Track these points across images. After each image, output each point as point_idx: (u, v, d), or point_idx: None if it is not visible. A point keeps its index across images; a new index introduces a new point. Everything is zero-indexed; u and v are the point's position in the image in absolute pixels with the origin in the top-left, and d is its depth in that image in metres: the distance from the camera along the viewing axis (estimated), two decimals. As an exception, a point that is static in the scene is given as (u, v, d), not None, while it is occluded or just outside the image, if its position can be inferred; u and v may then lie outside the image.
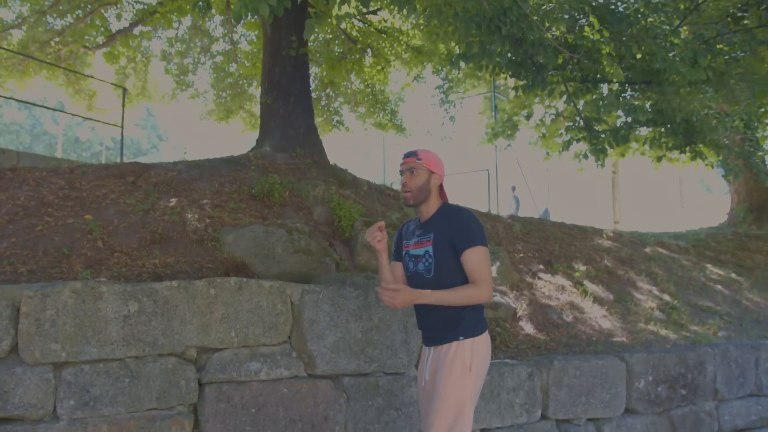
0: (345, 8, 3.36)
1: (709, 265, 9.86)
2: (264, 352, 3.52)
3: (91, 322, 3.12)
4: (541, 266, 7.24)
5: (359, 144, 20.35)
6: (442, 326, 2.84)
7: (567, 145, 7.20)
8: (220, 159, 7.38)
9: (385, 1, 9.72)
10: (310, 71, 14.43)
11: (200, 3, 2.60)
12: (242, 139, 16.67)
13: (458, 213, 2.87)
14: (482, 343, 2.85)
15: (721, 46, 4.55)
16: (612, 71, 3.97)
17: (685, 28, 5.70)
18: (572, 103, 5.54)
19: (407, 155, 2.98)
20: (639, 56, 4.62)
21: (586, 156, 6.40)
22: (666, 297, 7.64)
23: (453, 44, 6.49)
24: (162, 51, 14.20)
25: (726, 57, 4.61)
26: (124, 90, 11.88)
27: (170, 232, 5.13)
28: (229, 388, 3.40)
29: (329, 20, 10.53)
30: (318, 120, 14.64)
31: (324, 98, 14.59)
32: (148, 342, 3.24)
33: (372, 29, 12.28)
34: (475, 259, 2.74)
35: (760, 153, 6.89)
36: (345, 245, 6.05)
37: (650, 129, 7.02)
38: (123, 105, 11.41)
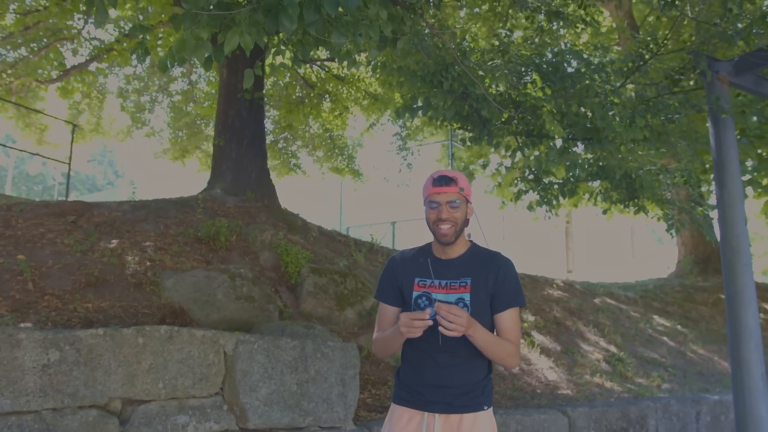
0: (280, 59, 3.35)
1: (656, 317, 10.03)
2: (193, 404, 3.38)
3: (5, 371, 2.95)
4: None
5: (317, 188, 20.33)
6: (461, 390, 2.37)
7: (518, 195, 7.31)
8: (167, 200, 7.25)
9: (327, 54, 9.87)
10: (268, 114, 14.52)
11: (139, 51, 2.54)
12: (198, 180, 16.48)
13: (504, 262, 2.44)
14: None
15: (661, 107, 4.72)
16: (553, 128, 4.06)
17: (630, 87, 5.91)
18: (522, 155, 5.64)
19: (446, 182, 2.40)
20: (580, 114, 4.75)
21: (536, 206, 6.49)
22: (613, 348, 7.71)
23: (403, 95, 6.57)
24: (119, 88, 14.06)
25: (663, 117, 4.77)
26: (74, 126, 11.66)
27: (107, 275, 4.97)
28: (154, 443, 3.24)
29: (282, 69, 10.61)
30: (275, 163, 14.61)
31: (281, 141, 14.59)
32: (68, 393, 3.08)
33: (330, 75, 12.41)
34: (514, 320, 2.39)
35: (701, 209, 7.09)
36: (291, 292, 5.95)
37: (599, 182, 7.19)
38: (72, 141, 11.18)
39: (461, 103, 4.41)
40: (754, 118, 4.68)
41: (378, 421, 4.12)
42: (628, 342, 8.15)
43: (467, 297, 2.35)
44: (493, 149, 14.21)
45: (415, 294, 2.43)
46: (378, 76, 10.48)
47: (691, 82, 5.53)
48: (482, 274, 2.38)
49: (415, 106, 4.32)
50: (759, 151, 10.33)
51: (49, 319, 4.13)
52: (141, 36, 2.57)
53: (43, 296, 4.48)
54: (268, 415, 3.50)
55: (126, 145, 16.90)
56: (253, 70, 2.88)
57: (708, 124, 4.94)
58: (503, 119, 4.86)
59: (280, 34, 2.85)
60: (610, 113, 4.26)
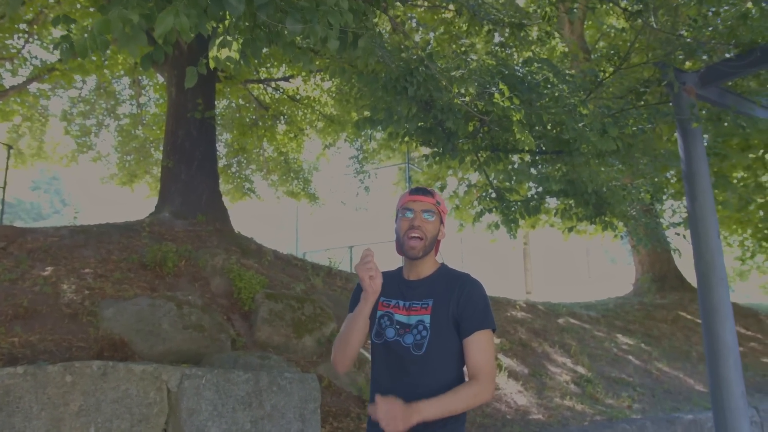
0: (226, 51, 3.01)
1: (619, 335, 9.92)
2: (131, 450, 2.96)
3: None
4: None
5: (272, 213, 19.88)
6: (423, 424, 2.12)
7: (479, 216, 7.09)
8: (111, 225, 6.77)
9: (282, 72, 9.61)
10: (221, 137, 14.09)
11: (63, 45, 2.18)
12: (149, 205, 15.86)
13: (469, 283, 2.26)
14: None
15: (628, 119, 4.57)
16: (523, 138, 3.84)
17: (590, 104, 5.79)
18: (484, 173, 5.43)
19: (423, 192, 2.30)
20: (549, 126, 4.57)
21: (497, 226, 6.27)
22: (580, 369, 7.51)
23: (362, 112, 6.29)
24: (63, 111, 13.43)
25: (634, 128, 4.63)
26: (9, 147, 11.02)
27: (38, 306, 4.49)
28: (85, 497, 2.81)
29: (239, 84, 10.28)
30: (228, 187, 14.14)
31: (235, 165, 14.15)
32: (-21, 444, 2.64)
33: (285, 96, 12.11)
34: (482, 345, 2.18)
35: (665, 225, 7.04)
36: (245, 319, 5.55)
37: (560, 201, 7.03)
38: (7, 164, 10.54)
39: (425, 115, 4.16)
40: (726, 124, 4.59)
41: (342, 458, 3.76)
42: (595, 362, 7.97)
43: (427, 319, 2.22)
44: (450, 171, 14.03)
45: (378, 313, 2.32)
46: (334, 88, 10.22)
47: (656, 96, 5.42)
48: (445, 295, 2.23)
49: (375, 118, 4.04)
50: (715, 169, 10.47)
51: (-33, 356, 3.66)
52: (64, 27, 2.21)
53: (-38, 331, 3.99)
54: (218, 459, 3.11)
55: (72, 171, 16.21)
56: (196, 68, 2.55)
57: (676, 136, 4.81)
58: (469, 132, 4.63)
59: (226, 21, 2.55)
60: (580, 124, 4.07)
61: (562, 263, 25.96)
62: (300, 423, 3.41)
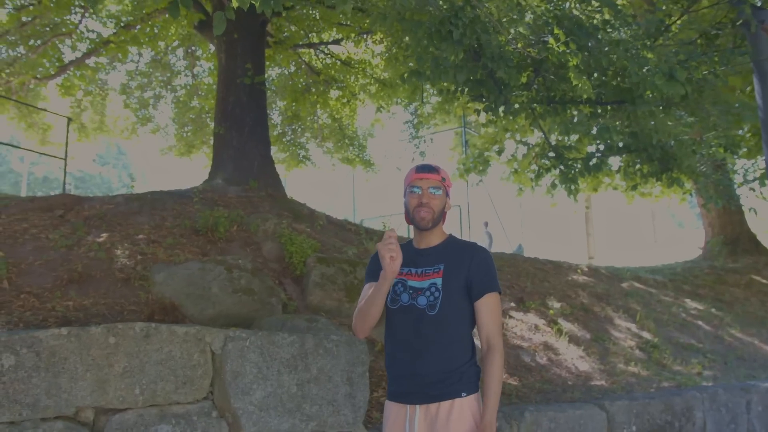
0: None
1: (687, 300, 9.46)
2: (177, 411, 2.93)
3: (-49, 381, 2.52)
4: (513, 304, 6.74)
5: (328, 180, 19.91)
6: (436, 377, 2.34)
7: (537, 176, 6.79)
8: (164, 192, 6.82)
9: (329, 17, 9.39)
10: (274, 105, 14.09)
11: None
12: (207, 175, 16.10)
13: (478, 250, 2.47)
14: (479, 397, 2.40)
15: (698, 62, 4.18)
16: (580, 84, 3.55)
17: (657, 44, 5.37)
18: (540, 130, 5.13)
19: (429, 170, 2.47)
20: (610, 73, 4.24)
21: (555, 186, 5.96)
22: (646, 335, 7.17)
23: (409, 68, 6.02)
24: (121, 84, 13.68)
25: (705, 73, 4.23)
26: (69, 120, 11.30)
27: (93, 271, 4.54)
28: (132, 457, 2.80)
29: (289, 50, 10.17)
30: (283, 155, 14.17)
31: (289, 133, 14.14)
32: (26, 404, 2.64)
33: (336, 61, 11.94)
34: (491, 306, 2.38)
35: (738, 182, 6.56)
36: (296, 284, 5.49)
37: (622, 158, 6.64)
38: (67, 135, 10.81)
39: (474, 65, 3.91)
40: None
41: (393, 423, 3.65)
42: (662, 327, 7.60)
43: (439, 281, 2.39)
44: (508, 133, 13.59)
45: (394, 281, 2.46)
46: (384, 49, 9.96)
47: (729, 40, 4.97)
48: (456, 260, 2.43)
49: (421, 70, 3.82)
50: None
51: (22, 319, 3.71)
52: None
53: (19, 295, 4.06)
54: (264, 422, 3.05)
55: (137, 145, 16.56)
56: (224, 13, 2.41)
57: (752, 84, 4.38)
58: (522, 83, 4.35)
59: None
60: (645, 69, 3.74)
61: (627, 228, 25.13)
62: (348, 386, 3.31)
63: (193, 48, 13.01)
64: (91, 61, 12.06)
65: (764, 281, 11.79)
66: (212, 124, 13.99)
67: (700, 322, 8.40)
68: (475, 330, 2.44)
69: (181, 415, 2.93)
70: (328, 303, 5.21)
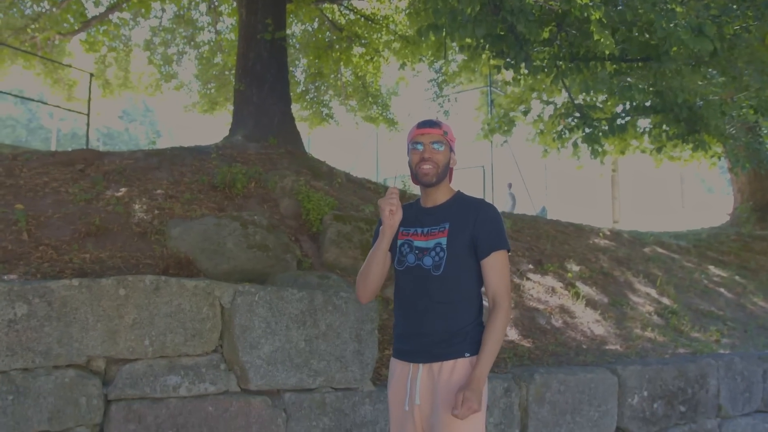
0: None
1: (711, 267, 9.31)
2: (186, 363, 2.97)
3: (-34, 327, 2.58)
4: (531, 266, 6.69)
5: (351, 139, 19.82)
6: (442, 335, 2.32)
7: (560, 136, 6.65)
8: (184, 148, 6.84)
9: None
10: (298, 63, 13.95)
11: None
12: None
13: (484, 207, 2.40)
14: None
15: (730, 16, 3.97)
16: (602, 39, 3.42)
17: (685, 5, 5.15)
18: (564, 88, 4.99)
19: (430, 125, 2.41)
20: (635, 28, 4.07)
21: (577, 145, 5.83)
22: (665, 300, 7.09)
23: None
24: (145, 41, 13.65)
25: (736, 28, 4.04)
26: (91, 75, 11.34)
27: (110, 224, 4.59)
28: (142, 405, 2.86)
29: (311, 5, 10.01)
30: (306, 113, 14.10)
31: (312, 90, 14.03)
32: (39, 351, 2.70)
33: (359, 17, 11.73)
34: (499, 265, 2.32)
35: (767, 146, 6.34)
36: (313, 241, 5.51)
37: (649, 119, 6.46)
38: (89, 90, 10.85)
39: (493, 19, 3.79)
40: None
41: (401, 380, 3.67)
42: (682, 293, 7.50)
43: (444, 241, 2.34)
44: (534, 93, 13.33)
45: (399, 242, 2.46)
46: (407, 3, 9.75)
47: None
48: (462, 218, 2.37)
49: (438, 23, 3.72)
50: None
51: (40, 270, 3.78)
52: None
53: (38, 247, 4.13)
54: (272, 375, 3.08)
55: (164, 102, 16.61)
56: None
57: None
58: (544, 39, 4.21)
59: None
60: (672, 23, 3.58)
61: (654, 192, 24.71)
62: (356, 343, 3.32)
63: (215, 3, 12.88)
64: (114, 17, 12.03)
65: (793, 249, 11.54)
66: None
67: (722, 290, 8.27)
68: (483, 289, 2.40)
69: (190, 367, 2.97)
70: (343, 261, 5.22)
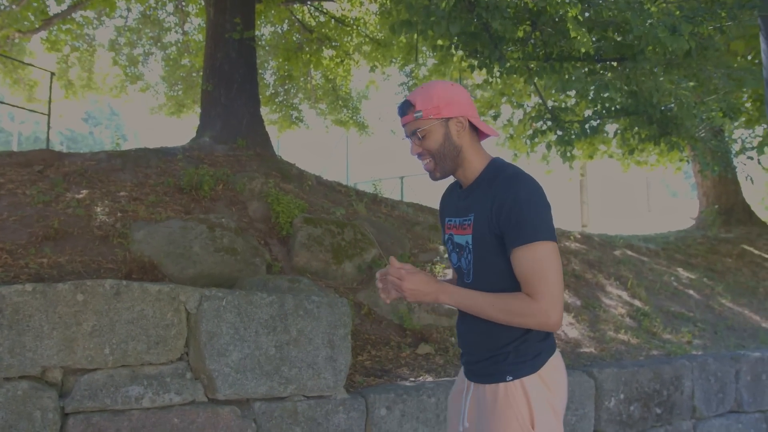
0: None
1: (680, 269, 9.40)
2: (149, 372, 2.81)
3: None
4: (503, 269, 6.63)
5: (322, 142, 19.67)
6: (483, 353, 1.90)
7: (531, 139, 6.61)
8: (149, 149, 6.63)
9: None
10: (267, 65, 13.77)
11: None
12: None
13: (509, 182, 1.79)
14: (546, 379, 1.84)
15: (703, 16, 3.98)
16: (578, 37, 3.37)
17: (661, 6, 5.16)
18: (534, 85, 4.95)
19: (401, 112, 1.88)
20: (610, 28, 4.05)
21: (550, 147, 5.80)
22: (637, 303, 7.10)
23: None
24: (110, 41, 13.32)
25: (710, 28, 4.05)
26: (52, 75, 11.01)
27: (70, 227, 4.39)
28: (102, 418, 2.69)
29: (281, 5, 9.86)
30: (276, 116, 13.91)
31: (282, 93, 13.85)
32: (-12, 362, 2.52)
33: (329, 19, 11.62)
34: (530, 260, 1.73)
35: (736, 149, 6.42)
36: (282, 244, 5.36)
37: (620, 121, 6.47)
38: (50, 90, 10.53)
39: (468, 16, 3.71)
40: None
41: (376, 387, 3.56)
42: (653, 295, 7.54)
43: (470, 239, 1.85)
44: (504, 98, 13.36)
45: (445, 236, 2.04)
46: (378, 4, 9.68)
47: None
48: (484, 205, 1.82)
49: (412, 20, 3.63)
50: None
51: (-8, 276, 3.57)
52: None
53: (-9, 251, 3.92)
54: (241, 384, 2.94)
55: (130, 105, 16.24)
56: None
57: (761, 41, 4.20)
58: (519, 37, 4.16)
59: None
60: (648, 22, 3.55)
61: (621, 196, 25.07)
62: (329, 349, 3.20)
63: (183, 3, 12.65)
64: (77, 16, 11.72)
65: (756, 251, 11.75)
66: (203, 83, 13.71)
67: (691, 291, 8.34)
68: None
69: (154, 376, 2.81)
70: (314, 264, 5.09)
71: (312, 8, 11.62)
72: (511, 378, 1.81)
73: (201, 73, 13.46)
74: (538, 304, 1.70)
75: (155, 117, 15.18)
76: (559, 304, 1.72)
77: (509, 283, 1.80)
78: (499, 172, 1.85)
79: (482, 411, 1.87)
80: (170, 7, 13.17)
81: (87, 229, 4.45)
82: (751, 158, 6.27)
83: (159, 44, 13.74)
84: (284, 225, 5.43)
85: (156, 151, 6.60)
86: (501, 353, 1.84)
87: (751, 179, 6.26)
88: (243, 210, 5.62)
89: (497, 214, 1.76)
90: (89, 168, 5.65)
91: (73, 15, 11.38)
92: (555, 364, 1.87)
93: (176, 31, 13.56)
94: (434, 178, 1.91)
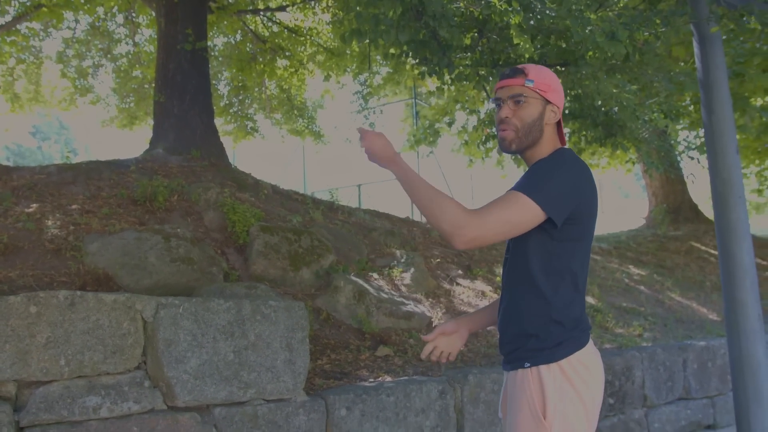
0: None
1: (631, 266, 9.71)
2: (106, 382, 2.80)
3: None
4: (460, 271, 6.76)
5: (278, 152, 19.60)
6: (508, 338, 1.91)
7: (483, 143, 6.77)
8: (101, 162, 6.55)
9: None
10: (221, 76, 13.69)
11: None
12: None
13: (552, 156, 1.88)
14: (569, 372, 1.79)
15: (640, 23, 4.18)
16: (521, 43, 3.51)
17: (601, 14, 5.37)
18: (484, 91, 5.09)
19: (509, 75, 1.91)
20: (553, 36, 4.21)
21: (502, 152, 5.95)
22: (590, 300, 7.32)
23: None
24: (58, 52, 13.05)
25: (646, 34, 4.24)
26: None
27: (20, 242, 4.32)
28: (59, 430, 2.67)
29: (233, 16, 9.86)
30: (231, 127, 13.83)
31: (236, 104, 13.79)
32: (-61, 378, 2.49)
33: (282, 29, 11.65)
34: (502, 198, 1.77)
35: (680, 150, 6.70)
36: (239, 253, 5.36)
37: (568, 126, 6.68)
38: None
39: (416, 24, 3.82)
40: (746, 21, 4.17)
41: (335, 389, 3.60)
42: (606, 293, 7.78)
43: None
44: (458, 105, 13.60)
45: None
46: (331, 15, 9.78)
47: (671, 4, 5.00)
48: None
49: (362, 29, 3.71)
50: (734, 91, 9.97)
51: (-60, 292, 3.50)
52: None
53: (-62, 267, 3.83)
54: (200, 390, 2.95)
55: (80, 118, 15.91)
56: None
57: (693, 54, 4.42)
58: (466, 45, 4.29)
59: None
60: (588, 29, 3.72)
61: (575, 199, 25.59)
62: (287, 352, 3.23)
63: (133, 14, 12.49)
64: (22, 27, 11.45)
65: (703, 247, 12.22)
66: (155, 94, 13.54)
67: (642, 287, 8.63)
68: (565, 275, 1.85)
69: (111, 386, 2.81)
70: (272, 272, 5.11)
71: (265, 18, 11.63)
72: (528, 365, 1.81)
73: (153, 85, 13.34)
74: (464, 216, 1.70)
75: (107, 130, 14.91)
76: (480, 232, 1.70)
77: (542, 257, 1.82)
78: (561, 154, 1.90)
79: (510, 397, 1.89)
80: (120, 18, 12.97)
81: (38, 243, 4.38)
82: (692, 158, 6.54)
83: (109, 56, 13.51)
84: (241, 234, 5.43)
85: (108, 164, 6.52)
86: (523, 336, 1.83)
87: (692, 177, 6.54)
88: (199, 220, 5.61)
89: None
90: (39, 182, 5.55)
91: (18, 27, 11.11)
92: (584, 361, 1.82)
93: (127, 43, 13.36)
94: (507, 147, 1.92)
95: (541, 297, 1.82)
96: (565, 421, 1.75)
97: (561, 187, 1.77)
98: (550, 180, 1.77)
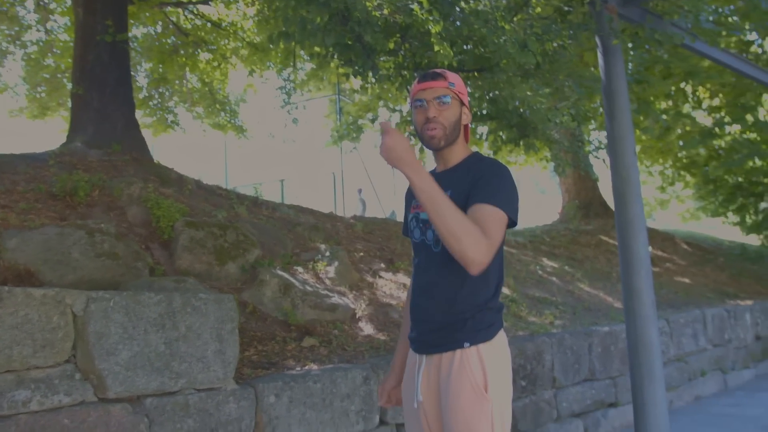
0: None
1: (544, 259, 10.25)
2: (36, 376, 2.83)
3: None
4: (383, 265, 6.99)
5: (199, 146, 19.27)
6: (438, 323, 2.03)
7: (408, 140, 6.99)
8: (15, 155, 6.35)
9: None
10: (140, 67, 13.35)
11: None
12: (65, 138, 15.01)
13: (493, 165, 2.03)
14: (498, 348, 2.02)
15: (549, 34, 4.52)
16: (441, 50, 3.75)
17: (517, 19, 5.71)
18: (407, 92, 5.31)
19: (432, 77, 2.06)
20: (470, 43, 4.49)
21: (422, 151, 6.22)
22: (506, 291, 7.72)
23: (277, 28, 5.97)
24: (-39, 39, 12.36)
25: (555, 45, 4.60)
26: None
27: (-67, 238, 4.19)
28: (-14, 425, 2.68)
29: (154, 8, 9.68)
30: (151, 120, 13.53)
31: (156, 96, 13.48)
32: None
33: (206, 23, 11.51)
34: (490, 213, 1.89)
35: (587, 149, 7.17)
36: (164, 248, 5.37)
37: (486, 125, 7.03)
38: None
39: (342, 29, 3.99)
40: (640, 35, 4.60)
41: (264, 377, 3.74)
42: (520, 284, 8.22)
43: None
44: (381, 102, 13.83)
45: (409, 216, 2.24)
46: (256, 11, 9.78)
47: (580, 17, 5.39)
48: (463, 182, 2.03)
49: (289, 31, 3.85)
50: (638, 97, 10.69)
51: None
52: None
53: None
54: (131, 381, 3.02)
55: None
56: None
57: (599, 58, 4.81)
58: (390, 49, 4.50)
59: None
60: (502, 39, 4.01)
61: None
62: (217, 343, 3.34)
63: (45, 1, 12.00)
64: None
65: (611, 241, 13.01)
66: (69, 85, 13.05)
67: (554, 279, 9.16)
68: (497, 268, 2.09)
69: (41, 380, 2.83)
70: (197, 267, 5.16)
71: (187, 11, 11.45)
72: (468, 344, 1.97)
73: (67, 75, 12.85)
74: (485, 245, 1.82)
75: (16, 120, 14.22)
76: (491, 257, 1.86)
77: None
78: (482, 159, 2.11)
79: (439, 380, 2.01)
80: (30, 4, 12.42)
81: (-47, 239, 4.26)
82: (597, 157, 7.03)
83: (18, 42, 12.92)
84: (165, 229, 5.44)
85: (23, 157, 6.34)
86: (459, 320, 1.99)
87: (595, 175, 7.03)
88: (122, 215, 5.56)
89: (474, 184, 1.97)
90: (-51, 176, 5.36)
91: None
92: (504, 337, 2.09)
93: (38, 30, 12.81)
94: (437, 145, 2.07)
95: (479, 284, 2.01)
96: (502, 392, 1.98)
97: (514, 193, 2.02)
98: (510, 190, 1.99)
